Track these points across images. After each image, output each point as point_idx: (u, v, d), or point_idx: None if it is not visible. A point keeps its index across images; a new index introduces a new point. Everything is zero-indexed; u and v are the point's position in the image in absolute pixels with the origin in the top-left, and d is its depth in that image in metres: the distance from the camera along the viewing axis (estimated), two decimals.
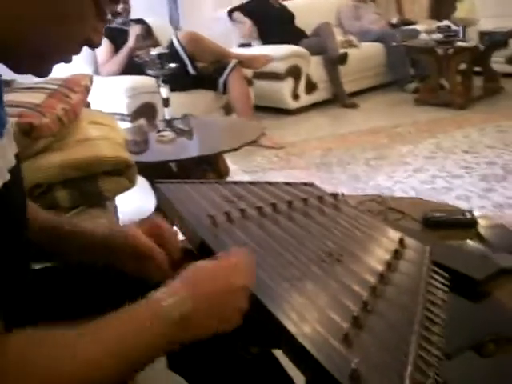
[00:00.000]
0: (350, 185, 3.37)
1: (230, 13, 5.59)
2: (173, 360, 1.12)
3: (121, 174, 1.69)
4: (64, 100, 1.83)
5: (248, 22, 5.51)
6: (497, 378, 1.55)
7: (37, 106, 1.67)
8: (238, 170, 3.74)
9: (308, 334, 0.71)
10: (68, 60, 0.78)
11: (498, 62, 5.84)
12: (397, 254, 0.92)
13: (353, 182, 3.45)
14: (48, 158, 1.59)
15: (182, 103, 3.83)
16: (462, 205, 2.74)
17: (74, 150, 1.64)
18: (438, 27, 5.50)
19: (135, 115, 3.89)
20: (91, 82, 2.10)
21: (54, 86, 1.90)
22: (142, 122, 3.09)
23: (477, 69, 5.54)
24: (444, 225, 1.41)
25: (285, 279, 0.84)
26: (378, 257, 0.92)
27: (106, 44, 4.21)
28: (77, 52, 0.77)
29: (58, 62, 0.77)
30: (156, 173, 2.20)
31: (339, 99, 5.51)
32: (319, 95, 5.51)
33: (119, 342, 0.68)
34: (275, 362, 1.12)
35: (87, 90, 2.06)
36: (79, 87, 1.99)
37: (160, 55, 3.05)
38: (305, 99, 5.36)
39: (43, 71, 0.76)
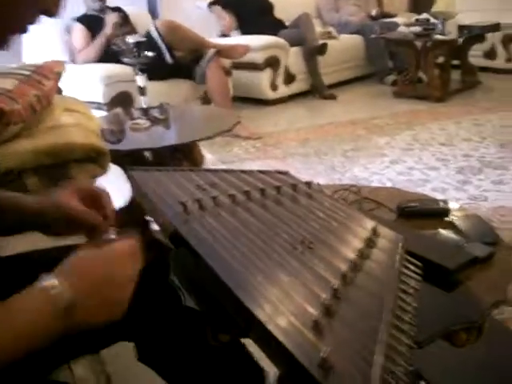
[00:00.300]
0: (326, 175, 3.37)
1: (210, 6, 5.55)
2: (143, 352, 1.11)
3: (93, 161, 1.66)
4: (37, 86, 1.79)
5: (227, 17, 5.47)
6: (468, 366, 1.57)
7: (8, 92, 1.64)
8: (215, 160, 3.73)
9: (277, 322, 0.70)
10: (24, 30, 0.75)
11: (475, 55, 5.88)
12: (369, 243, 0.91)
13: (330, 172, 3.45)
14: (19, 144, 1.56)
15: (159, 92, 3.80)
16: (438, 197, 2.74)
17: (46, 136, 1.61)
18: (417, 20, 5.51)
19: (111, 104, 3.85)
20: (64, 68, 2.07)
21: (27, 72, 1.87)
22: (118, 110, 3.05)
23: (455, 63, 5.57)
24: (418, 214, 1.41)
25: (255, 266, 0.83)
26: (350, 245, 0.90)
27: (82, 31, 4.17)
28: (34, 21, 0.75)
29: (14, 33, 0.74)
30: (131, 161, 2.18)
31: (318, 90, 5.51)
32: (298, 86, 5.50)
33: (13, 331, 0.68)
34: (245, 353, 1.12)
35: (60, 76, 2.02)
36: (52, 74, 1.95)
37: (137, 43, 3.01)
38: (283, 90, 5.35)
39: (0, 43, 0.74)
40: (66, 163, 1.61)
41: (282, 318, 0.71)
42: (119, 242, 0.84)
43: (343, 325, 0.71)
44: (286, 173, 1.26)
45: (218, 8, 5.51)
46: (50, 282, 0.71)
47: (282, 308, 0.73)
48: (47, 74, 1.91)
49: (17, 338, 0.68)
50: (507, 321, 1.88)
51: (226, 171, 1.27)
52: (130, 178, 1.26)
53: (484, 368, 1.59)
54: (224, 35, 5.47)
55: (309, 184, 1.16)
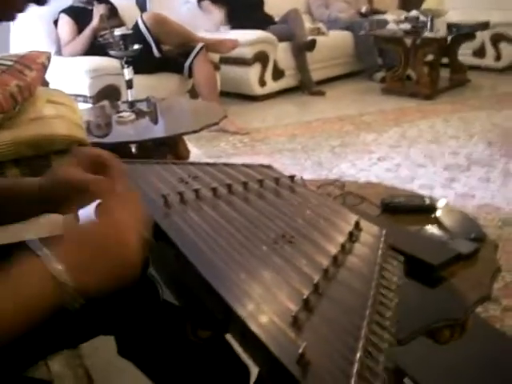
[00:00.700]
0: (313, 171, 3.35)
1: (199, 1, 5.51)
2: (123, 346, 1.09)
3: None
4: (19, 77, 1.76)
5: (217, 12, 5.44)
6: (453, 363, 1.56)
7: None
8: (201, 154, 3.70)
9: (256, 317, 0.69)
10: (13, 18, 0.73)
11: (465, 54, 5.88)
12: (352, 237, 0.89)
13: (316, 168, 3.43)
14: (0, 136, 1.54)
15: (146, 86, 3.77)
16: (425, 194, 2.74)
17: (27, 127, 1.58)
18: (407, 17, 5.52)
19: (98, 97, 3.81)
20: (49, 59, 2.04)
21: (9, 63, 1.84)
22: (105, 103, 3.02)
23: (444, 61, 5.57)
24: (403, 210, 1.39)
25: (235, 261, 0.82)
26: (332, 239, 0.89)
27: (69, 24, 4.13)
28: (22, 9, 0.73)
29: (2, 20, 0.72)
30: (116, 154, 2.14)
31: (306, 86, 5.49)
32: (286, 82, 5.48)
33: (13, 301, 0.63)
34: (228, 349, 1.10)
35: (44, 67, 1.99)
36: (36, 64, 1.92)
37: (124, 36, 2.99)
38: (271, 86, 5.32)
39: None
40: (48, 155, 1.58)
41: (260, 313, 0.70)
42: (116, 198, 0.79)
43: (323, 321, 0.70)
44: (269, 166, 1.24)
45: (207, 3, 5.47)
46: (45, 252, 0.66)
47: (261, 303, 0.72)
48: (30, 64, 1.88)
49: (16, 312, 0.63)
50: (492, 318, 1.88)
51: (208, 164, 1.26)
52: None
53: (468, 365, 1.58)
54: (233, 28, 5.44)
55: (292, 178, 1.14)
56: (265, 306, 0.71)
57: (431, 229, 1.26)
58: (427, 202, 1.42)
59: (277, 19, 5.70)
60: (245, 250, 0.85)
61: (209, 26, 5.40)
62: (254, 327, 0.67)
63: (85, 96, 3.87)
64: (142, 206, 0.79)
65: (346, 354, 0.64)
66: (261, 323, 0.68)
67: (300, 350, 0.61)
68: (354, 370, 0.60)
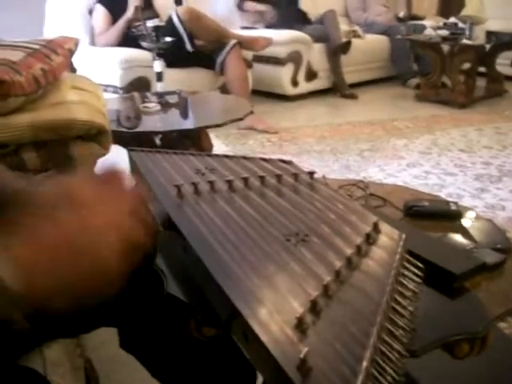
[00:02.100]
0: (340, 174, 3.30)
1: (241, 2, 5.48)
2: (125, 339, 1.06)
3: (94, 140, 1.62)
4: (44, 61, 1.75)
5: (264, 8, 5.40)
6: (470, 379, 1.50)
7: (13, 63, 1.59)
8: (228, 151, 3.68)
9: (259, 317, 0.65)
10: None
11: (502, 64, 5.78)
12: (369, 239, 0.84)
13: (344, 171, 3.38)
14: (19, 118, 1.52)
15: (177, 80, 3.76)
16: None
17: (48, 111, 1.56)
18: (445, 24, 5.43)
19: (128, 88, 3.81)
20: (76, 45, 2.02)
21: (37, 46, 1.82)
22: (134, 94, 3.01)
23: (481, 70, 5.47)
24: (426, 215, 1.33)
25: (243, 257, 0.77)
26: (347, 240, 0.84)
27: (103, 14, 4.14)
28: None
29: None
30: (138, 144, 2.13)
31: (339, 89, 5.45)
32: (319, 83, 5.44)
33: None
34: (235, 349, 1.06)
35: (71, 53, 1.97)
36: (63, 50, 1.91)
37: (156, 28, 2.98)
38: (304, 86, 5.29)
39: None
40: (67, 140, 1.56)
41: (264, 314, 0.65)
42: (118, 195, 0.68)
43: (330, 325, 0.65)
44: (289, 162, 1.20)
45: (250, 4, 5.44)
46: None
47: (266, 303, 0.67)
48: (57, 49, 1.87)
49: None
50: None
51: (227, 157, 1.22)
52: (130, 159, 1.22)
53: (487, 382, 1.52)
54: (248, 27, 5.40)
55: (311, 174, 1.10)
56: (270, 306, 0.67)
57: (455, 236, 1.20)
58: (453, 208, 1.36)
59: (311, 17, 5.66)
60: (255, 247, 0.81)
61: (253, 23, 5.36)
62: (256, 327, 0.63)
63: (115, 87, 3.87)
64: (138, 203, 0.72)
65: (351, 363, 0.59)
66: (264, 323, 0.64)
67: (301, 356, 0.57)
68: (358, 381, 0.56)
